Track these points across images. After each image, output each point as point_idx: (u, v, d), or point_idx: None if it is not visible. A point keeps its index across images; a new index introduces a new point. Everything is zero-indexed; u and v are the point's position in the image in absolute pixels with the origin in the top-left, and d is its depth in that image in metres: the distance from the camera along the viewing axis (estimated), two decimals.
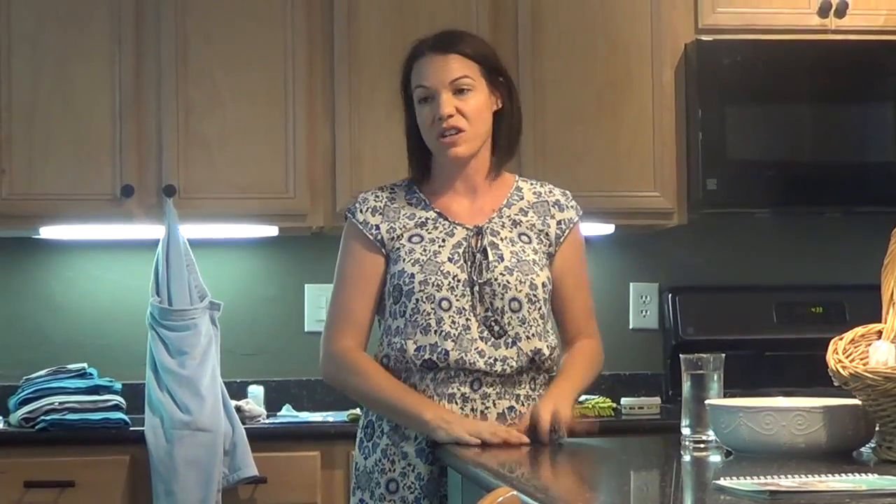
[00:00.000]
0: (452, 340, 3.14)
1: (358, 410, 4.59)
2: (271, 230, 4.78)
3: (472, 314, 3.15)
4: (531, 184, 3.34)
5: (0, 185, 4.53)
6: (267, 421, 4.60)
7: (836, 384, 2.63)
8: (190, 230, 4.59)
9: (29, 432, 4.36)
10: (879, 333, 2.70)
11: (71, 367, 4.55)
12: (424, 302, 3.15)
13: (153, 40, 4.60)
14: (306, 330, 4.99)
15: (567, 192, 3.36)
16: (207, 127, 4.61)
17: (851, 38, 4.85)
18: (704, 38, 4.76)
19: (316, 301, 4.99)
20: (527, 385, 3.21)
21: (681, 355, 3.01)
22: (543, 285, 3.20)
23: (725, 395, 2.96)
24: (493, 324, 3.16)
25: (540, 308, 3.20)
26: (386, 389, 3.17)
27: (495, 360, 3.15)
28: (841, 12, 4.83)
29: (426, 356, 3.15)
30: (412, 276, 3.17)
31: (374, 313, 3.27)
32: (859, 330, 2.71)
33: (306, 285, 5.00)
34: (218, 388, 4.40)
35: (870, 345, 2.67)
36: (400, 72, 3.29)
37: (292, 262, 5.01)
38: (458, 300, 3.15)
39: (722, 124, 4.74)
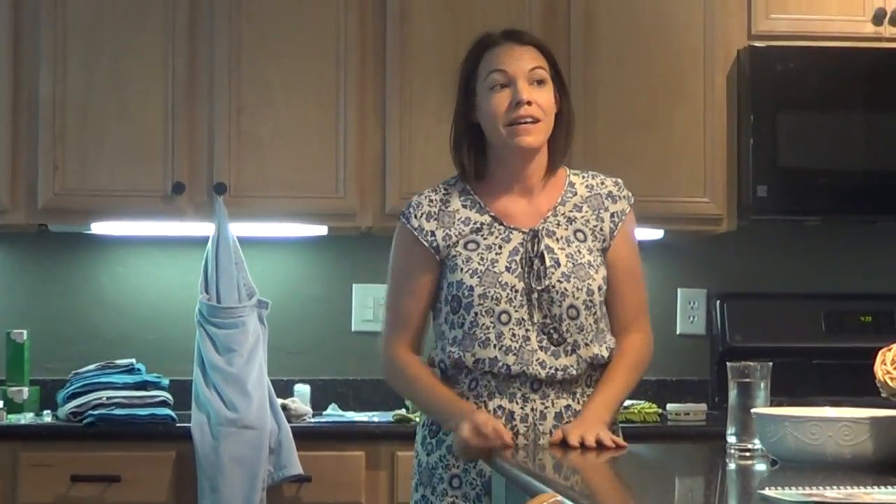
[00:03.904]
0: (514, 354, 3.14)
1: (404, 411, 4.61)
2: (320, 229, 4.80)
3: (530, 323, 3.15)
4: (583, 177, 3.31)
5: (53, 181, 4.56)
6: (313, 420, 4.61)
7: (883, 395, 2.61)
8: (240, 228, 4.61)
9: (76, 426, 4.39)
10: None
11: (119, 362, 4.58)
12: (483, 315, 3.15)
13: (207, 40, 4.63)
14: (353, 329, 5.01)
15: (619, 180, 3.32)
16: (259, 126, 4.63)
17: None
18: (757, 44, 4.75)
19: (363, 301, 5.00)
20: (583, 383, 3.21)
21: (727, 363, 3.00)
22: (599, 289, 3.19)
23: (772, 404, 2.95)
24: (551, 331, 3.15)
25: (595, 312, 3.19)
26: (428, 401, 3.22)
27: (556, 369, 3.15)
28: (895, 20, 4.80)
29: (486, 369, 3.16)
30: (471, 288, 3.15)
31: (428, 316, 3.26)
32: None
33: (354, 285, 5.01)
34: (265, 387, 4.42)
35: None
36: (465, 61, 3.25)
37: (341, 262, 5.03)
38: (516, 311, 3.14)
39: (773, 131, 4.72)
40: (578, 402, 3.19)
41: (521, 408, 3.16)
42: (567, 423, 3.15)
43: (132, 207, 4.62)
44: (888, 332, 4.80)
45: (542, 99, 3.18)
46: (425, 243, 3.22)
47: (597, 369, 3.22)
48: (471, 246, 3.20)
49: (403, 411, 4.61)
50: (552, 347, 3.15)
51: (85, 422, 4.39)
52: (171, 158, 4.60)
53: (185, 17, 4.62)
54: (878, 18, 4.81)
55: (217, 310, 4.43)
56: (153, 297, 4.94)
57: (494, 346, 3.14)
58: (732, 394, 2.95)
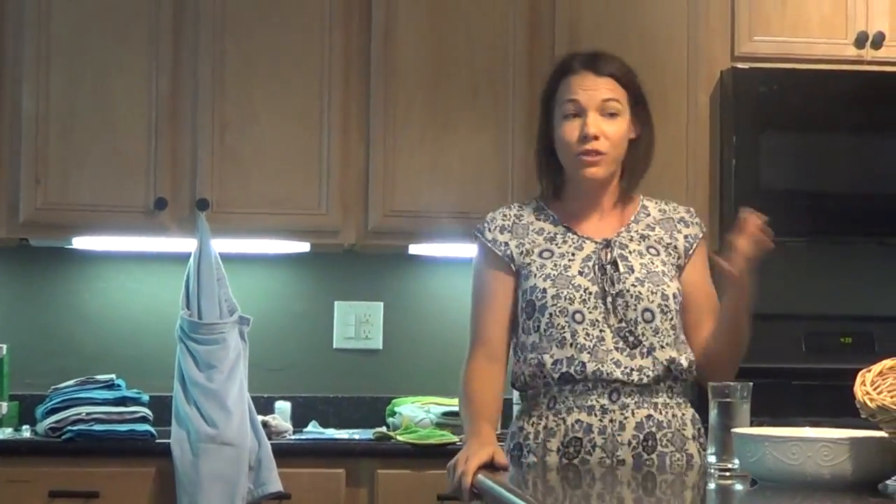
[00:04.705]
0: (588, 352, 3.17)
1: (384, 429, 4.60)
2: (303, 246, 4.80)
3: (605, 325, 3.19)
4: (656, 202, 3.39)
5: (35, 195, 4.55)
6: (293, 437, 4.60)
7: (862, 416, 2.62)
8: (222, 244, 4.60)
9: (55, 442, 4.38)
10: None
11: (99, 377, 4.57)
12: (558, 316, 3.19)
13: (190, 56, 4.63)
14: (335, 347, 5.00)
15: (691, 209, 3.43)
16: (242, 142, 4.63)
17: (887, 70, 4.83)
18: (740, 65, 4.76)
19: (345, 318, 5.00)
20: (664, 394, 3.23)
21: (709, 383, 3.00)
22: (674, 296, 3.25)
23: (752, 424, 2.95)
24: (627, 334, 3.19)
25: (671, 319, 3.24)
26: (463, 412, 3.23)
27: (632, 369, 3.18)
28: (877, 43, 4.83)
29: (563, 369, 3.18)
30: (544, 290, 3.21)
31: (510, 332, 3.29)
32: (888, 362, 2.69)
33: (336, 302, 5.01)
34: (245, 403, 4.41)
35: None
36: (547, 84, 3.33)
37: (323, 279, 5.02)
38: (590, 312, 3.19)
39: (756, 152, 4.73)
40: (661, 413, 3.21)
41: (600, 420, 3.17)
42: (648, 432, 3.17)
43: (114, 222, 4.61)
44: (868, 354, 4.75)
45: (612, 131, 3.25)
46: (499, 253, 3.28)
47: (677, 381, 3.25)
48: (545, 254, 3.26)
49: (384, 429, 4.60)
50: (628, 349, 3.19)
51: (64, 437, 4.37)
52: (154, 174, 4.60)
53: (170, 33, 4.62)
54: (861, 42, 4.83)
55: (198, 326, 4.42)
56: (134, 313, 4.93)
57: (570, 344, 3.18)
58: (713, 413, 2.95)
